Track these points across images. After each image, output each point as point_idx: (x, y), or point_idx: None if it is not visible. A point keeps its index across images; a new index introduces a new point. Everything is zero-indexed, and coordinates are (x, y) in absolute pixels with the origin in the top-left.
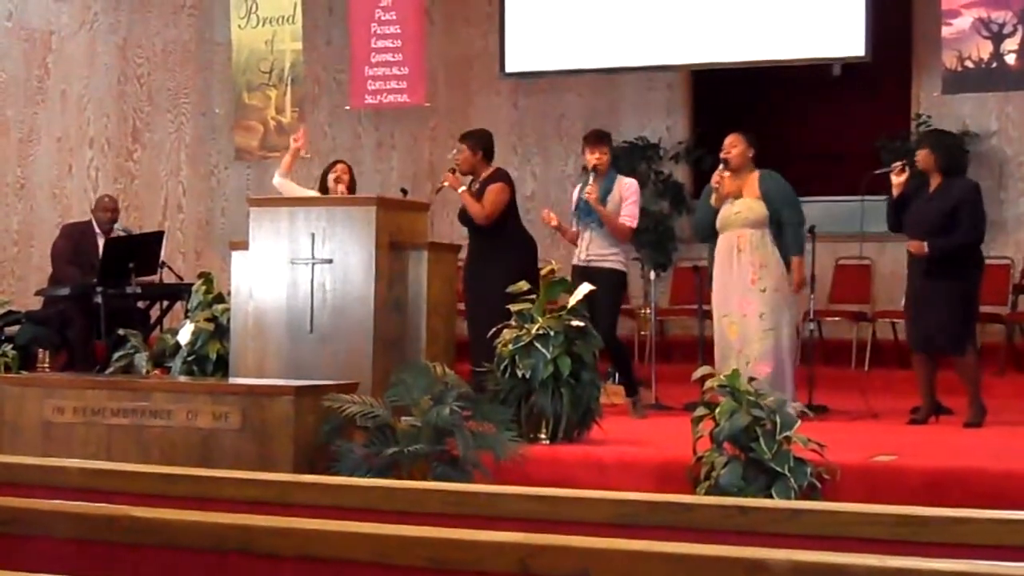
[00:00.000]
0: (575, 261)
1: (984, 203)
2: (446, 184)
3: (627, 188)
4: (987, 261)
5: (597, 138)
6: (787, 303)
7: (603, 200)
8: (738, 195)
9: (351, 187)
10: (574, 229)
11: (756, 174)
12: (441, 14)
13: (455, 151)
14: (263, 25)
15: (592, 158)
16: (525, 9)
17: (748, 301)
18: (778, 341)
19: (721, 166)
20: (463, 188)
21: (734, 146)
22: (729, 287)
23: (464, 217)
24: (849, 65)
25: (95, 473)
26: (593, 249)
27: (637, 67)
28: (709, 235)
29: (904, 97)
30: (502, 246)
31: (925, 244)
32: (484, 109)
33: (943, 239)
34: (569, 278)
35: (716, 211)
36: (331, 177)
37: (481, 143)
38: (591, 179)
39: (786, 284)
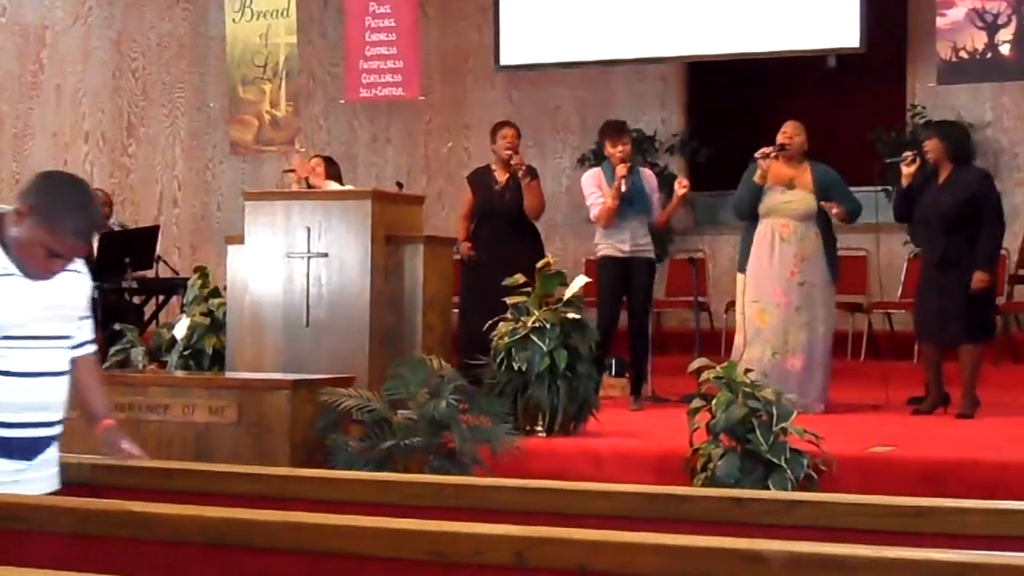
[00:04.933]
0: (613, 252)
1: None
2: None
3: (651, 179)
4: None
5: (618, 130)
6: (823, 299)
7: (638, 193)
8: (790, 184)
9: (308, 182)
10: (604, 205)
11: (808, 165)
12: (435, 7)
13: (450, 144)
14: (257, 19)
15: (616, 151)
16: (519, 2)
17: (785, 292)
18: (812, 336)
19: (773, 148)
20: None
21: (797, 134)
22: (765, 274)
23: (503, 204)
24: (844, 56)
25: (91, 468)
26: (638, 239)
27: (631, 59)
28: (748, 215)
29: (899, 88)
30: (530, 237)
31: (977, 277)
32: (479, 102)
33: (982, 259)
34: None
35: (759, 190)
36: None
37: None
38: (619, 170)
39: (825, 280)
